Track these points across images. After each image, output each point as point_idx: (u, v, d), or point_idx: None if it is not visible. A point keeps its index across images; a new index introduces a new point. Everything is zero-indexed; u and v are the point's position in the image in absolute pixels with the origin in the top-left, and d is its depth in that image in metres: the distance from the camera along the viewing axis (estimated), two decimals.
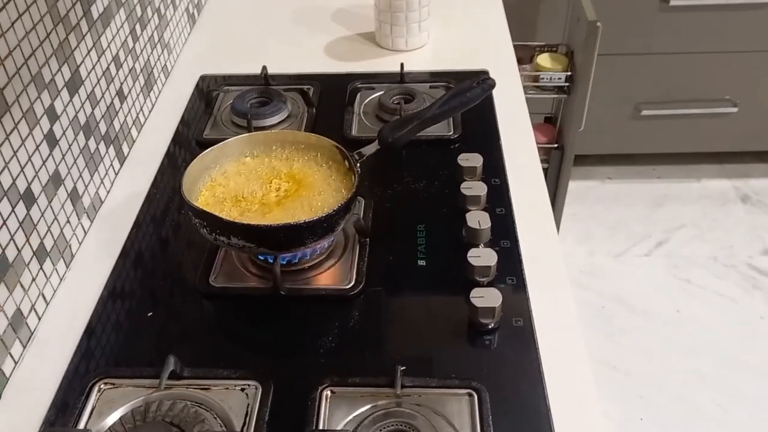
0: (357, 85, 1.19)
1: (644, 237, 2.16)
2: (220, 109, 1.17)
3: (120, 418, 0.70)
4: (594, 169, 2.39)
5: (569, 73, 1.65)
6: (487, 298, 0.77)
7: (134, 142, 1.12)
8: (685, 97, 2.14)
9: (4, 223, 0.76)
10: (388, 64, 1.28)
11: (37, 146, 0.84)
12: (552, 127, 1.81)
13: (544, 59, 1.68)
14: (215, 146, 0.89)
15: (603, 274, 2.04)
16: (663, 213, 2.25)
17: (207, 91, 1.22)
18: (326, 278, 0.86)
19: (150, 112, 1.19)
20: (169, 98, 1.23)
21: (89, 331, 0.81)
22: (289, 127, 1.12)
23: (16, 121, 0.79)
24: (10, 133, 0.78)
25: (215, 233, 0.79)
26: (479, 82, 0.84)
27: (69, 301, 0.86)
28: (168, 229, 0.96)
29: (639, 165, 2.41)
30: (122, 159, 1.08)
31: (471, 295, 0.78)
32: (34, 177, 0.83)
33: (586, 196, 2.31)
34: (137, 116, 1.14)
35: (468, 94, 0.83)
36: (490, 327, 0.78)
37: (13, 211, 0.78)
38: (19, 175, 0.79)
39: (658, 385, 1.73)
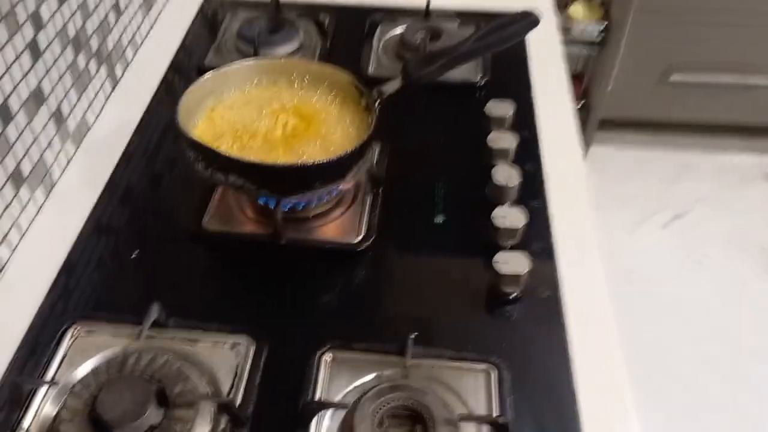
0: (376, 19, 1.08)
1: (659, 210, 2.07)
2: (225, 34, 1.07)
3: (93, 369, 0.62)
4: (613, 134, 2.28)
5: (604, 26, 1.53)
6: (512, 264, 0.69)
7: (129, 63, 1.02)
8: (718, 64, 2.02)
9: None
10: None
11: (18, 56, 0.74)
12: (577, 84, 1.70)
13: (577, 9, 1.56)
14: (217, 71, 0.79)
15: (614, 247, 1.96)
16: (681, 186, 2.16)
17: (212, 14, 1.11)
18: (332, 230, 0.77)
19: (148, 32, 1.08)
20: (169, 19, 1.12)
21: (66, 269, 0.73)
22: (300, 59, 1.02)
23: None
24: None
25: (211, 169, 0.70)
26: (521, 16, 0.73)
27: (46, 233, 0.77)
28: (160, 163, 0.87)
29: (661, 133, 2.30)
30: (114, 81, 0.98)
31: (494, 260, 0.69)
32: (13, 90, 0.73)
33: (602, 162, 2.20)
34: (134, 36, 1.03)
35: (508, 29, 0.72)
36: (513, 296, 0.70)
37: None
38: None
39: (666, 368, 1.66)
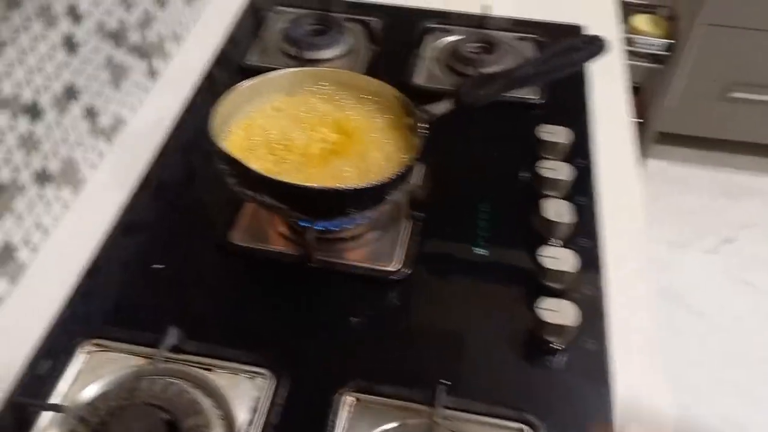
0: (429, 25, 1.03)
1: (711, 231, 1.98)
2: (269, 33, 1.02)
3: (102, 393, 0.59)
4: (667, 149, 2.18)
5: (671, 41, 1.45)
6: (558, 312, 0.63)
7: (170, 59, 0.98)
8: None
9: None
10: (467, 3, 1.10)
11: (53, 50, 0.71)
12: (636, 97, 1.61)
13: (641, 21, 1.48)
14: (256, 79, 0.74)
15: (660, 265, 1.88)
16: (735, 207, 2.05)
17: (257, 10, 1.07)
18: (366, 254, 0.72)
19: (191, 27, 1.05)
20: (214, 14, 1.08)
21: (87, 276, 0.70)
22: (345, 64, 0.97)
23: (23, 18, 0.66)
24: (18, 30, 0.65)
25: (242, 186, 0.66)
26: (587, 41, 0.67)
27: (71, 236, 0.74)
28: (194, 166, 0.83)
29: (717, 150, 2.19)
30: (154, 77, 0.94)
31: (538, 305, 0.64)
32: (45, 86, 0.70)
33: (655, 177, 2.11)
34: (176, 29, 1.00)
35: (574, 56, 0.66)
36: (557, 347, 0.64)
37: (13, 124, 0.66)
38: (24, 83, 0.67)
39: (705, 397, 1.59)
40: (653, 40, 1.43)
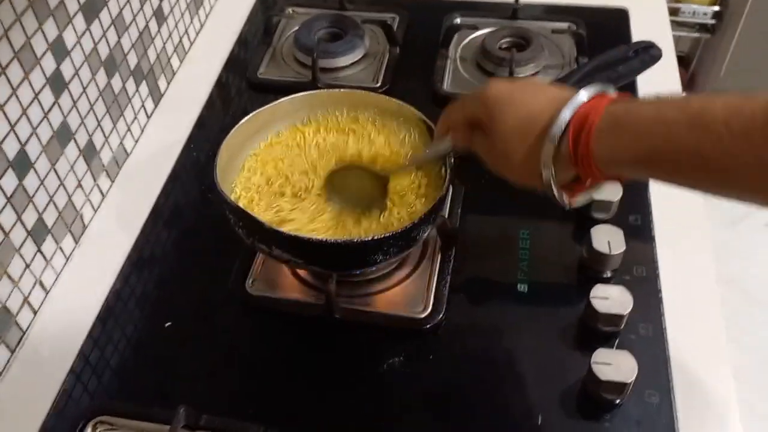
0: (455, 22, 0.93)
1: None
2: (281, 39, 0.94)
3: None
4: None
5: (717, 9, 1.32)
6: (616, 366, 0.55)
7: (174, 74, 0.91)
8: None
9: None
10: None
11: (36, 94, 0.64)
12: (683, 71, 1.49)
13: None
14: (261, 110, 0.67)
15: (713, 245, 1.76)
16: None
17: (267, 14, 0.98)
18: (394, 298, 0.65)
19: (197, 35, 0.97)
20: (221, 18, 1.00)
21: (92, 339, 0.64)
22: (364, 70, 0.89)
23: (4, 65, 0.59)
24: None
25: (253, 238, 0.59)
26: (638, 51, 0.58)
27: (73, 290, 0.69)
28: (206, 199, 0.76)
29: None
30: (157, 98, 0.87)
31: (594, 360, 0.56)
32: (30, 135, 0.63)
33: None
34: (180, 41, 0.92)
35: (620, 68, 0.57)
36: (614, 403, 0.57)
37: None
38: (6, 135, 0.60)
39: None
40: (701, 8, 1.31)
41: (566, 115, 0.46)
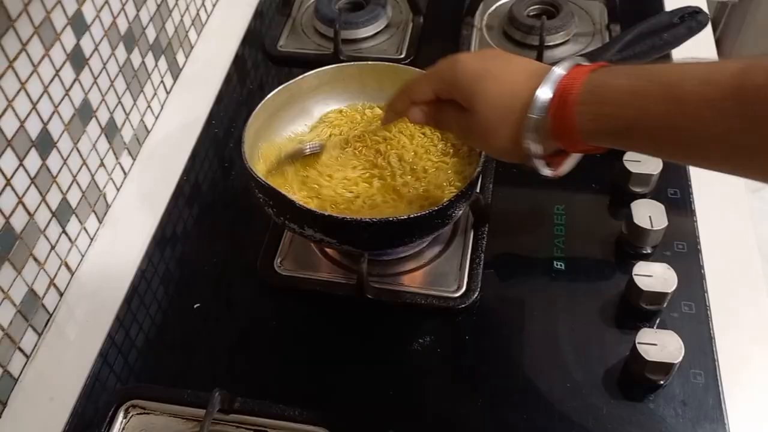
0: None
1: None
2: (301, 10, 0.92)
3: None
4: None
5: None
6: (662, 346, 0.54)
7: (192, 48, 0.89)
8: None
9: (8, 182, 0.56)
10: None
11: (57, 71, 0.62)
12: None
13: None
14: (286, 86, 0.64)
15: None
16: None
17: None
18: (426, 277, 0.63)
19: (213, 6, 0.94)
20: None
21: (120, 322, 0.63)
22: (387, 41, 0.86)
23: (24, 41, 0.57)
24: (15, 58, 0.56)
25: (284, 218, 0.57)
26: (683, 17, 0.55)
27: (99, 269, 0.68)
28: (231, 174, 0.75)
29: None
30: (176, 73, 0.85)
31: (639, 340, 0.54)
32: (53, 113, 0.62)
33: None
34: (197, 14, 0.90)
35: (665, 35, 0.54)
36: (657, 383, 0.55)
37: (21, 164, 0.58)
38: (29, 114, 0.58)
39: None
40: None
41: (547, 88, 0.45)
